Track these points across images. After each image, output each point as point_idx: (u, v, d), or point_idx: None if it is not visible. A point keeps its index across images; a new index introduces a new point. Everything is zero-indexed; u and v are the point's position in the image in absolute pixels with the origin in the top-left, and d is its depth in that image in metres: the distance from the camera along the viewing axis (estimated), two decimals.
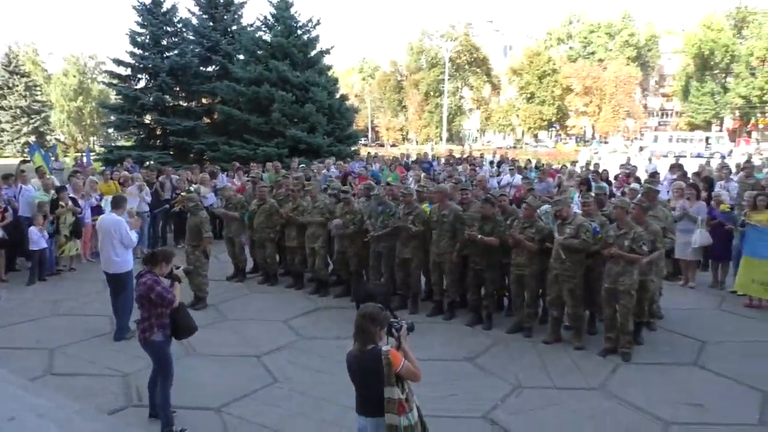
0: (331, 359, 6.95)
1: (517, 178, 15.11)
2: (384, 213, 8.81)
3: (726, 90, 60.04)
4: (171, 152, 22.29)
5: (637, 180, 13.56)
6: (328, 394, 6.04)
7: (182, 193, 12.53)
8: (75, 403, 5.53)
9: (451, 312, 8.46)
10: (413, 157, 22.84)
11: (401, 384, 3.76)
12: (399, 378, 3.74)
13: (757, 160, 20.48)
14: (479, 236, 7.65)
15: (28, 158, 20.17)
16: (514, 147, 60.01)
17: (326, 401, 5.92)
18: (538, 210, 7.54)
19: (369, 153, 26.88)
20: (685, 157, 38.71)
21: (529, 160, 19.09)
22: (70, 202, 10.94)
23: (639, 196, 8.30)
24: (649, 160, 21.49)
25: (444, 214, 8.22)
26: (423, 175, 16.72)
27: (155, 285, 5.06)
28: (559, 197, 7.51)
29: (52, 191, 11.45)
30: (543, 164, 16.49)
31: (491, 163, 21.01)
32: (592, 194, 8.19)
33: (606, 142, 59.39)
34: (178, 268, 5.42)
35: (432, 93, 67.57)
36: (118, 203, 7.80)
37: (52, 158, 16.56)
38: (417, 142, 69.49)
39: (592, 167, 15.70)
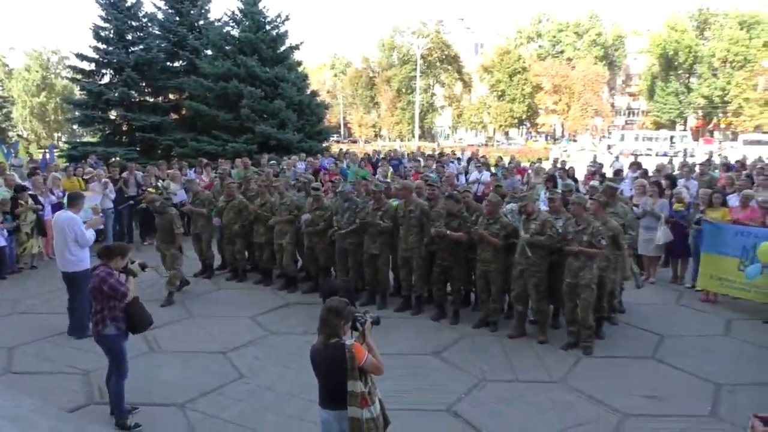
0: (297, 355, 6.96)
1: (486, 175, 15.28)
2: (350, 209, 8.84)
3: (690, 90, 61.56)
4: (138, 148, 21.90)
5: (603, 177, 13.83)
6: (293, 389, 6.06)
7: (148, 190, 12.40)
8: (35, 402, 5.44)
9: (419, 307, 8.54)
10: (382, 155, 22.85)
11: (364, 377, 3.81)
12: (362, 371, 3.79)
13: (717, 159, 21.02)
14: (447, 232, 7.73)
15: None
16: (486, 144, 60.55)
17: (291, 396, 5.93)
18: (504, 208, 7.64)
19: (340, 149, 26.89)
20: (651, 155, 39.64)
21: (500, 158, 19.30)
22: (30, 200, 10.70)
23: (599, 192, 8.46)
24: (616, 158, 21.89)
25: (411, 210, 8.28)
26: (391, 171, 16.86)
27: (108, 277, 5.03)
28: (524, 193, 7.62)
29: (11, 189, 11.20)
30: (514, 162, 16.65)
31: (459, 159, 21.18)
32: (559, 191, 8.34)
33: (575, 140, 60.35)
34: (133, 262, 5.39)
35: (404, 90, 67.71)
36: (73, 201, 7.56)
37: (13, 155, 16.16)
38: (390, 138, 69.59)
39: (559, 165, 15.91)
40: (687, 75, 62.73)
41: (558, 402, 5.87)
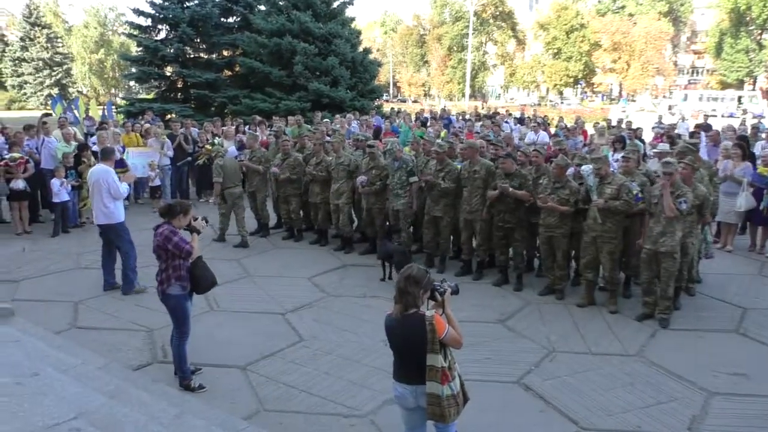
0: (356, 318, 6.79)
1: (543, 136, 14.61)
2: (401, 169, 8.49)
3: (762, 47, 57.72)
4: (192, 105, 21.98)
5: (671, 139, 12.99)
6: (354, 354, 5.87)
7: (206, 147, 12.33)
8: (100, 358, 5.40)
9: (480, 272, 8.21)
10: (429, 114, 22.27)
11: (444, 351, 3.52)
12: (442, 344, 3.50)
13: None
14: (510, 188, 7.28)
15: (51, 110, 20.07)
16: (539, 104, 58.68)
17: (353, 362, 5.74)
18: (581, 170, 7.16)
19: (392, 108, 26.41)
20: (716, 116, 37.53)
21: (561, 118, 18.47)
22: (92, 158, 10.73)
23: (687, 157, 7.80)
24: (683, 118, 20.69)
25: (475, 170, 7.88)
26: (444, 131, 16.35)
27: (172, 236, 4.87)
28: (598, 155, 7.09)
29: (73, 143, 11.27)
30: (579, 122, 15.87)
31: (517, 119, 20.42)
32: (637, 149, 7.76)
33: (633, 101, 57.83)
34: (196, 219, 5.21)
35: (455, 48, 65.88)
36: (106, 154, 7.57)
37: (76, 113, 16.33)
38: (439, 97, 68.27)
39: (624, 125, 15.05)
40: (759, 31, 58.81)
41: (636, 377, 5.49)
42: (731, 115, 37.62)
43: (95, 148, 11.01)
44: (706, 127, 16.36)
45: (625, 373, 5.57)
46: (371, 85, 23.29)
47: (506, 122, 18.88)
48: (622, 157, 7.32)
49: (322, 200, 9.55)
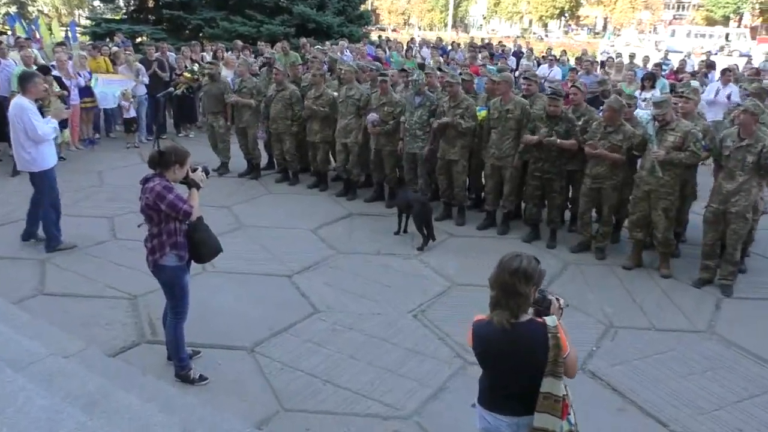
0: (374, 282, 5.82)
1: (557, 72, 13.42)
2: (423, 107, 7.36)
3: None
4: (164, 27, 20.02)
5: (677, 77, 11.91)
6: (380, 331, 4.92)
7: (184, 74, 10.92)
8: (73, 341, 4.32)
9: (506, 225, 7.25)
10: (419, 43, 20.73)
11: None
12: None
13: None
14: (558, 141, 6.25)
15: (8, 29, 18.03)
16: (522, 36, 56.61)
17: (380, 340, 4.79)
18: (637, 115, 6.12)
19: (380, 36, 24.69)
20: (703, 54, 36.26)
21: (564, 51, 17.18)
22: (56, 85, 9.24)
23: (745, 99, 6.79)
24: (687, 55, 19.51)
25: (508, 110, 6.77)
26: (442, 61, 15.02)
27: (166, 192, 3.74)
28: (661, 98, 6.02)
29: (34, 67, 9.72)
30: (588, 55, 14.65)
31: (516, 53, 19.05)
32: (694, 90, 6.71)
33: (619, 35, 56.14)
34: (195, 170, 4.05)
35: None
36: (23, 81, 5.92)
37: (37, 34, 14.43)
38: (420, 27, 65.53)
39: (649, 61, 13.79)
40: None
41: (714, 361, 4.65)
42: (717, 53, 36.27)
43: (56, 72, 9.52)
44: (710, 65, 15.36)
45: (701, 355, 4.73)
46: (359, 10, 21.53)
47: (501, 55, 17.55)
48: (682, 98, 6.27)
49: (321, 139, 8.41)
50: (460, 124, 6.97)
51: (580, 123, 6.49)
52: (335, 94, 8.28)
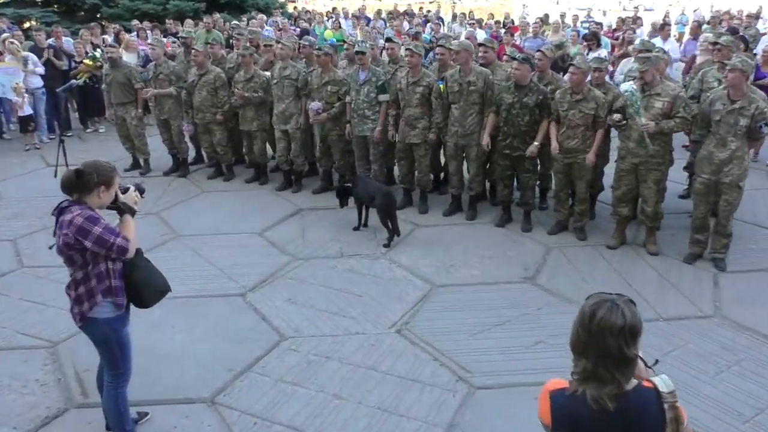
0: (344, 292, 5.06)
1: (480, 34, 12.77)
2: (368, 83, 6.60)
3: None
4: (56, 9, 17.93)
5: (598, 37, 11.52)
6: (363, 356, 4.18)
7: (84, 61, 9.56)
8: None
9: (474, 209, 6.64)
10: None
11: None
12: None
13: None
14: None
15: None
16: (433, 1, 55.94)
17: (366, 369, 4.05)
18: (619, 88, 5.57)
19: (295, 7, 23.42)
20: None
21: (492, 15, 16.64)
22: None
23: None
24: (604, 13, 19.46)
25: (470, 82, 6.09)
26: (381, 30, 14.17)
27: (91, 225, 2.82)
28: (646, 54, 5.45)
29: None
30: (509, 19, 14.15)
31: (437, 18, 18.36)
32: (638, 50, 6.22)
33: None
34: (125, 190, 3.11)
35: None
36: None
37: None
38: None
39: (577, 20, 13.45)
40: None
41: (735, 351, 4.21)
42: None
43: None
44: (636, 20, 15.28)
45: (720, 346, 4.28)
46: None
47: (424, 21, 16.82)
48: (644, 57, 5.69)
49: (258, 127, 7.46)
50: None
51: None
52: (268, 74, 7.32)
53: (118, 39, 11.49)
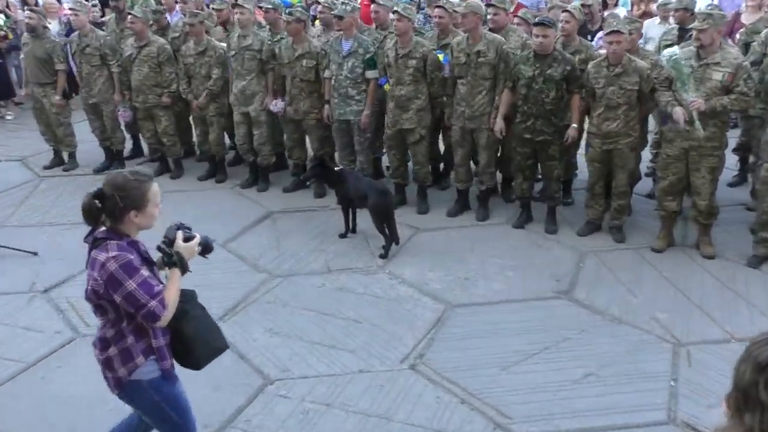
0: (338, 318, 4.83)
1: None
2: (354, 54, 6.40)
3: None
4: None
5: None
6: (371, 401, 3.92)
7: None
8: None
9: (485, 208, 6.47)
10: None
11: None
12: None
13: None
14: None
15: None
16: None
17: (378, 419, 3.78)
18: (663, 56, 5.43)
19: None
20: None
21: None
22: None
23: None
24: None
25: (479, 52, 5.88)
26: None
27: (125, 275, 2.54)
28: (708, 11, 5.25)
29: None
30: None
31: None
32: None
33: None
34: (189, 238, 2.79)
35: None
36: None
37: None
38: None
39: None
40: None
41: None
42: None
43: None
44: None
45: None
46: None
47: None
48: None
49: (215, 111, 7.19)
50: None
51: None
52: (224, 45, 7.01)
53: (26, 2, 10.94)
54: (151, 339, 2.67)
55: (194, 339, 2.79)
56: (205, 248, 2.84)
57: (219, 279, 5.32)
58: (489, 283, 5.24)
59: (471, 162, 6.56)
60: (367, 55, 6.32)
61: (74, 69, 7.75)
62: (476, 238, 6.03)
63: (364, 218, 5.95)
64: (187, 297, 2.77)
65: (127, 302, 2.53)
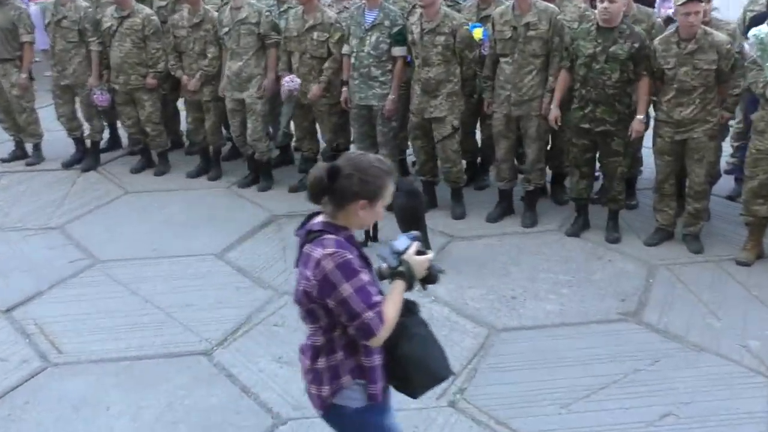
0: None
1: None
2: (378, 27, 6.39)
3: None
4: None
5: None
6: None
7: None
8: None
9: (532, 212, 6.50)
10: None
11: None
12: None
13: None
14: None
15: None
16: None
17: None
18: (747, 42, 5.45)
19: None
20: None
21: None
22: None
23: None
24: None
25: (529, 24, 5.90)
26: None
27: (343, 277, 2.51)
28: None
29: None
30: None
31: None
32: None
33: None
34: (422, 252, 2.71)
35: None
36: None
37: None
38: None
39: None
40: None
41: None
42: None
43: None
44: None
45: None
46: None
47: None
48: None
49: (211, 96, 7.29)
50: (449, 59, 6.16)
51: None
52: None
53: None
54: (362, 357, 2.64)
55: (412, 362, 2.72)
56: (429, 276, 2.74)
57: (215, 296, 5.42)
58: (540, 303, 5.22)
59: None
60: (395, 28, 6.31)
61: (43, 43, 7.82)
62: (522, 248, 6.03)
63: (386, 223, 5.92)
64: (408, 309, 2.71)
65: (341, 307, 2.51)
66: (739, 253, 5.67)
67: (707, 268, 5.62)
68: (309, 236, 2.58)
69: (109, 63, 7.37)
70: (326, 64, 6.67)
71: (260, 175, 7.32)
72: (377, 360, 2.66)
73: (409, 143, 6.87)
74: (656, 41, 5.65)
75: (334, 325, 2.58)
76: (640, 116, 5.67)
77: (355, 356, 2.63)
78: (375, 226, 6.06)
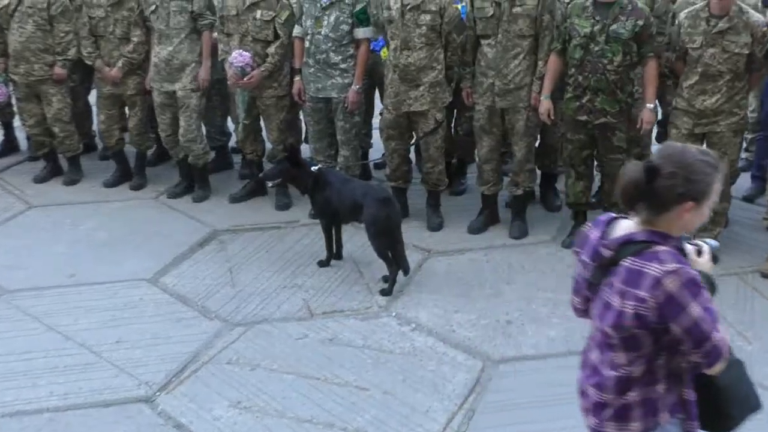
0: (336, 384, 4.78)
1: None
2: (338, 5, 6.49)
3: None
4: None
5: None
6: None
7: None
8: None
9: (522, 220, 6.63)
10: None
11: None
12: None
13: None
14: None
15: None
16: None
17: None
18: None
19: None
20: None
21: None
22: None
23: None
24: None
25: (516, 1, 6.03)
26: None
27: (690, 296, 2.52)
28: None
29: None
30: None
31: None
32: None
33: None
34: (700, 251, 2.81)
35: None
36: None
37: None
38: None
39: None
40: None
41: None
42: None
43: None
44: None
45: None
46: None
47: None
48: None
49: (136, 89, 7.39)
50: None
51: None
52: None
53: None
54: (683, 389, 2.66)
55: (730, 391, 2.72)
56: (715, 256, 2.83)
57: (152, 330, 5.37)
58: (541, 328, 5.27)
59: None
60: (358, 5, 6.40)
61: None
62: (513, 263, 6.11)
63: (353, 237, 5.92)
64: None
65: (687, 334, 2.51)
66: (762, 264, 5.83)
67: (729, 282, 5.68)
68: (625, 248, 2.57)
69: (6, 49, 7.35)
70: (271, 49, 6.69)
71: (195, 182, 7.36)
72: (694, 394, 2.72)
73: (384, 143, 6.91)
74: (682, 15, 5.80)
75: (659, 351, 2.60)
76: (650, 105, 5.79)
77: (677, 389, 2.67)
78: (339, 241, 6.09)
